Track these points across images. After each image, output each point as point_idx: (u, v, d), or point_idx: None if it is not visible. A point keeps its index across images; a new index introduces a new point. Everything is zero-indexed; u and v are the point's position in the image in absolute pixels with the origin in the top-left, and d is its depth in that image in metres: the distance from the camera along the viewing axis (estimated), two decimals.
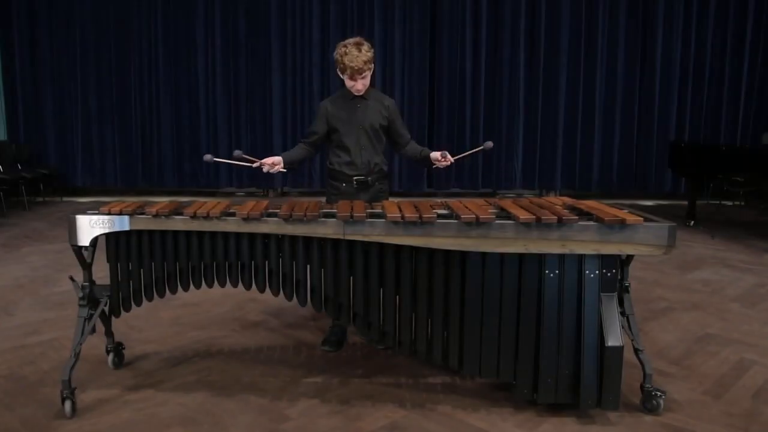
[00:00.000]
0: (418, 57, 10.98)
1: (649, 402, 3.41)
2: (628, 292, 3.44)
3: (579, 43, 10.86)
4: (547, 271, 3.26)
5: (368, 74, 4.11)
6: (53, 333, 4.61)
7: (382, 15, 10.90)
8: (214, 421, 3.33)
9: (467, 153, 4.31)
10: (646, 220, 3.22)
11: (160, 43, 11.11)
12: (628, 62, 10.91)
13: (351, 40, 4.07)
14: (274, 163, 4.05)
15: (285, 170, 4.14)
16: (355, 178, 4.22)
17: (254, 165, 4.03)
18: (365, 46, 4.04)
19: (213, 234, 3.46)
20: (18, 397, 3.59)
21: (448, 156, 4.16)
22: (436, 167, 4.28)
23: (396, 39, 10.93)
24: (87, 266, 3.60)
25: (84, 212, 3.48)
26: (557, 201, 3.75)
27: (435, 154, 4.21)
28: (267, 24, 11.00)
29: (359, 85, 4.11)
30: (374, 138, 4.24)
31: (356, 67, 3.99)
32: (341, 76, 4.13)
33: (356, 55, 3.98)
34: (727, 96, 10.97)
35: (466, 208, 3.43)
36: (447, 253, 3.33)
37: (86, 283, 3.59)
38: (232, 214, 3.41)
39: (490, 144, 4.21)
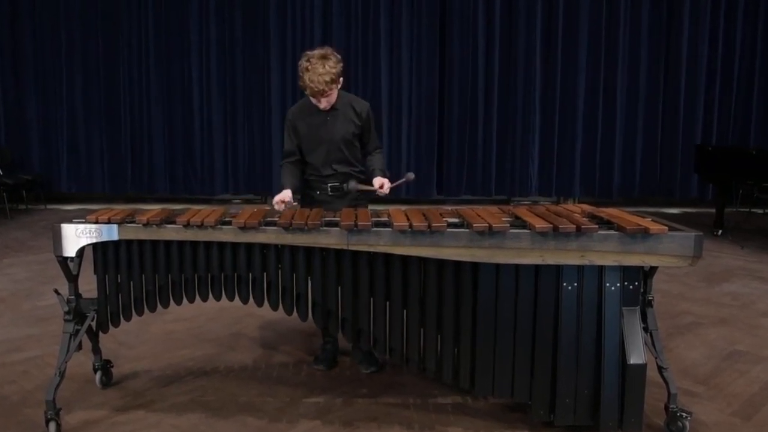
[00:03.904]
0: (427, 53, 10.98)
1: (674, 424, 3.41)
2: (651, 306, 3.44)
3: (599, 39, 10.84)
4: (565, 284, 3.26)
5: (333, 92, 4.02)
6: (37, 350, 4.62)
7: (389, 8, 10.91)
8: None
9: (396, 183, 4.28)
10: (670, 229, 3.22)
11: (150, 40, 11.13)
12: (652, 59, 10.90)
13: (317, 52, 3.96)
14: (283, 200, 4.02)
15: (295, 202, 4.16)
16: (329, 185, 4.24)
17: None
18: (331, 61, 3.92)
19: (207, 244, 3.47)
20: None
21: (386, 187, 4.15)
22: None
23: (403, 34, 10.93)
24: (73, 278, 3.62)
25: (70, 221, 3.50)
26: (576, 209, 3.75)
27: (376, 181, 4.21)
28: (265, 19, 11.00)
29: (323, 103, 4.05)
30: (347, 150, 4.23)
31: (317, 89, 3.91)
32: (304, 91, 4.07)
33: (320, 73, 3.87)
34: (758, 96, 10.94)
35: (479, 216, 3.44)
36: (458, 265, 3.34)
37: (72, 297, 3.61)
38: (228, 223, 3.43)
39: (411, 175, 4.25)
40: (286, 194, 4.05)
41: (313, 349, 4.60)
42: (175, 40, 11.10)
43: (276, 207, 3.99)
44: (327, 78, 3.89)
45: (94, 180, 11.48)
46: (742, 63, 10.90)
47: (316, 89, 3.91)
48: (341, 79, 4.03)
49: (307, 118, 4.19)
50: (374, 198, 4.29)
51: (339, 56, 4.02)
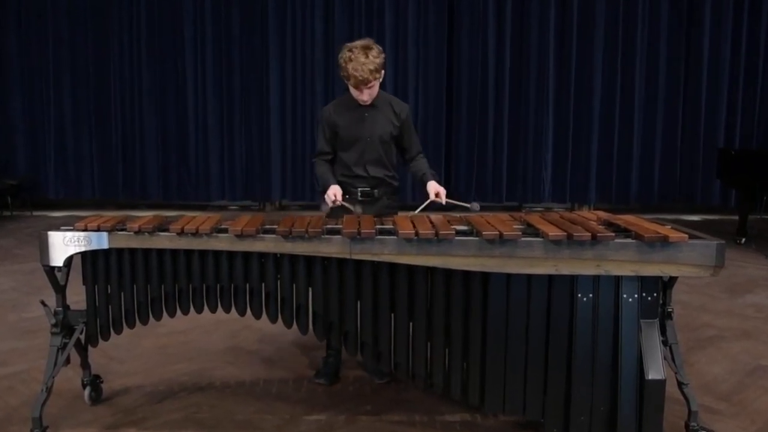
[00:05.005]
0: (435, 52, 10.99)
1: None
2: (671, 318, 3.44)
3: (616, 37, 10.83)
4: (579, 295, 3.26)
5: (376, 84, 4.10)
6: (22, 364, 4.63)
7: (394, 4, 10.92)
8: None
9: (457, 202, 4.31)
10: (691, 237, 3.22)
11: (143, 37, 11.15)
12: (672, 58, 10.88)
13: (358, 43, 4.05)
14: (336, 194, 4.12)
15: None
16: (360, 189, 4.26)
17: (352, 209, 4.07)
18: (374, 51, 4.02)
19: (202, 253, 3.48)
20: None
21: (443, 196, 4.18)
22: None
23: (410, 31, 10.93)
24: (60, 289, 3.63)
25: (57, 228, 3.51)
26: (591, 216, 3.75)
27: (431, 187, 4.23)
28: (263, 16, 11.02)
29: (365, 96, 4.11)
30: (383, 150, 4.27)
31: (361, 78, 3.98)
32: (346, 83, 4.14)
33: (363, 62, 3.95)
34: None
35: (488, 223, 3.44)
36: (467, 275, 3.34)
37: (59, 309, 3.62)
38: (225, 231, 3.43)
39: (477, 206, 4.17)
40: (338, 188, 4.15)
41: (314, 363, 4.60)
42: (169, 37, 11.12)
43: (330, 203, 4.10)
44: (371, 66, 3.97)
45: (83, 185, 11.48)
46: (766, 62, 10.87)
47: (360, 78, 3.98)
48: (383, 72, 4.12)
49: (345, 113, 4.25)
50: (406, 205, 4.31)
51: (381, 48, 4.10)
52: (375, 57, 4.00)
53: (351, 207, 3.92)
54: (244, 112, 11.22)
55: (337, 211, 4.07)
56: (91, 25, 11.14)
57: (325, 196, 4.14)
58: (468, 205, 4.18)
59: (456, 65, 11.05)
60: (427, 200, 4.21)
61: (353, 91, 4.13)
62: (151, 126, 11.27)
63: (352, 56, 3.98)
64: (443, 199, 4.18)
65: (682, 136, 11.02)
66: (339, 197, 4.09)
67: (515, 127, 11.04)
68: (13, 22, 11.20)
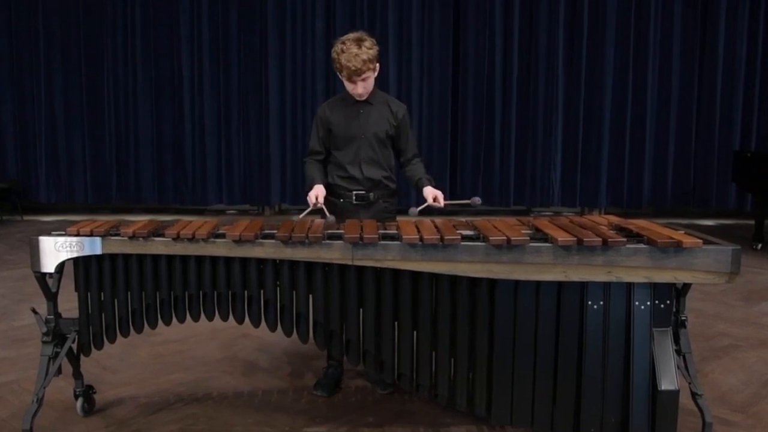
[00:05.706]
0: (440, 50, 11.00)
1: None
2: (684, 326, 3.44)
3: (627, 35, 10.83)
4: (590, 302, 3.26)
5: (370, 75, 4.12)
6: (12, 374, 4.62)
7: (398, 1, 10.94)
8: None
9: (456, 202, 4.32)
10: (705, 242, 3.21)
11: (137, 36, 11.17)
12: (685, 57, 10.88)
13: (351, 35, 4.09)
14: (317, 195, 4.10)
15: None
16: (354, 192, 4.26)
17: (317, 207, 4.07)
18: (367, 43, 4.05)
19: (199, 259, 3.48)
20: None
21: (440, 199, 4.17)
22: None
23: (414, 29, 10.95)
24: (52, 296, 3.62)
25: (48, 233, 3.51)
26: (602, 220, 3.75)
27: (428, 192, 4.22)
28: (262, 13, 11.04)
29: (359, 89, 4.14)
30: (379, 149, 4.28)
31: (354, 68, 4.01)
32: (340, 76, 4.16)
33: (355, 53, 3.99)
34: None
35: (496, 228, 3.44)
36: (473, 281, 3.34)
37: (51, 316, 3.61)
38: (222, 236, 3.43)
39: (478, 200, 4.19)
40: (322, 189, 4.14)
41: (314, 372, 4.60)
42: (164, 35, 11.14)
43: (311, 204, 4.05)
44: (364, 57, 4.01)
45: (76, 189, 11.50)
46: None
47: (353, 68, 4.01)
48: (378, 65, 4.14)
49: (341, 109, 4.28)
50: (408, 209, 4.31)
51: (374, 39, 4.14)
52: (368, 48, 4.03)
53: (327, 212, 3.88)
54: (243, 113, 11.23)
55: (316, 214, 4.05)
56: (83, 23, 11.16)
57: (307, 197, 4.14)
58: (469, 201, 4.19)
59: (462, 64, 11.04)
60: (424, 203, 4.20)
61: (348, 85, 4.16)
62: (146, 127, 11.28)
63: (345, 47, 4.02)
64: (441, 203, 4.18)
65: (697, 137, 11.01)
66: (321, 199, 4.07)
67: (523, 128, 11.03)
68: (2, 21, 11.21)
